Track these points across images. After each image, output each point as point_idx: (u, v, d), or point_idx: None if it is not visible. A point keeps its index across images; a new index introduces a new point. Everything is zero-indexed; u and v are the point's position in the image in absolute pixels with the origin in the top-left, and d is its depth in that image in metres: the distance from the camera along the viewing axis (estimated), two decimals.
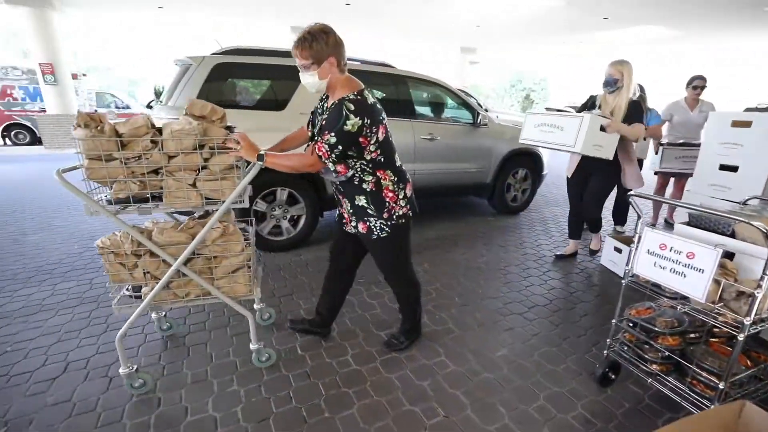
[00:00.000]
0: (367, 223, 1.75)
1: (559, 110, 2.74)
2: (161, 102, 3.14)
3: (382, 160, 1.64)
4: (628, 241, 2.99)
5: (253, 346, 1.87)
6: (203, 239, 1.64)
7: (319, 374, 1.87)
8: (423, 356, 2.02)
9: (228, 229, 1.71)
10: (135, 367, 1.74)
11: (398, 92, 3.75)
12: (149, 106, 3.29)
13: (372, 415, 1.64)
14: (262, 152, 1.57)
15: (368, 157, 1.61)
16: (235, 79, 3.10)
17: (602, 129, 2.57)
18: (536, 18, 9.58)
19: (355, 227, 1.79)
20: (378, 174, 1.66)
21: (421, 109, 4.08)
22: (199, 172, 1.58)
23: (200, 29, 13.39)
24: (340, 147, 1.51)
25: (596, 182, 2.98)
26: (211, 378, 1.83)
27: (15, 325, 2.25)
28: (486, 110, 4.95)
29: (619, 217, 4.08)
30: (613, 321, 1.76)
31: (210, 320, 2.31)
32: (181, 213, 1.79)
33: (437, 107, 4.39)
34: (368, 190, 1.68)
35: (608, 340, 1.81)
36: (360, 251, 1.95)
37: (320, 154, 1.54)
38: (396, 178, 1.71)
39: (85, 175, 1.48)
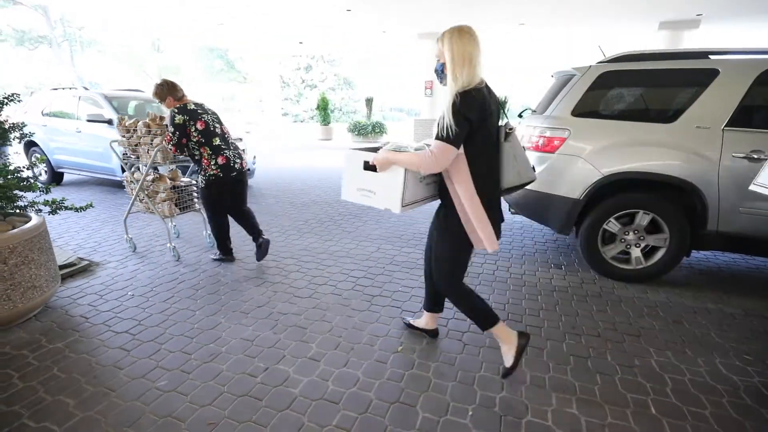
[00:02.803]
0: (197, 180, 3.06)
1: None
2: (534, 111, 3.36)
3: (203, 140, 2.83)
4: None
5: (168, 245, 3.41)
6: (143, 179, 3.23)
7: None
8: None
9: (157, 177, 3.30)
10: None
11: None
12: (520, 116, 3.60)
13: None
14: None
15: (194, 140, 2.83)
16: (621, 88, 2.86)
17: (368, 167, 1.75)
18: None
19: None
20: (201, 150, 2.86)
21: None
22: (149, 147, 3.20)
23: (556, 43, 13.71)
24: (178, 133, 2.78)
25: (433, 236, 1.92)
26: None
27: (402, 272, 3.08)
28: None
29: None
30: None
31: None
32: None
33: None
34: (198, 159, 2.90)
35: None
36: (235, 201, 3.12)
37: (165, 139, 2.86)
38: (210, 152, 2.86)
39: (119, 144, 3.35)
